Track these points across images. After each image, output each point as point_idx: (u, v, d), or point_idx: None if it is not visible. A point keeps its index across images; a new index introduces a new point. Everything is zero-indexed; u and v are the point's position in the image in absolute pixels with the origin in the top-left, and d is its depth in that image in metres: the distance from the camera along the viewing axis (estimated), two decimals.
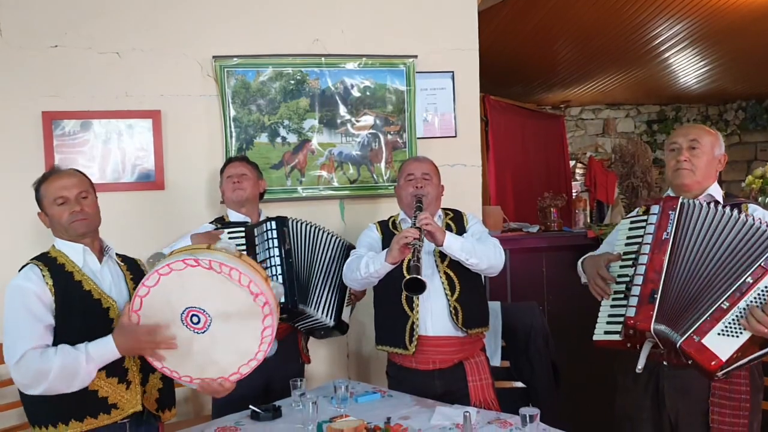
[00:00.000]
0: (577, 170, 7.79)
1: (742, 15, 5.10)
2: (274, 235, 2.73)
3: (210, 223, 2.93)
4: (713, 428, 2.19)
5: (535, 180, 6.19)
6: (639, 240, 2.21)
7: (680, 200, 2.18)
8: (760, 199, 4.78)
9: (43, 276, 2.02)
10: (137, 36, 3.31)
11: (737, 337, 1.94)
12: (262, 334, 1.96)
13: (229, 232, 2.74)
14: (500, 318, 3.08)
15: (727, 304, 1.97)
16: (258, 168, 3.08)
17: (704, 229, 2.10)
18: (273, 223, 2.76)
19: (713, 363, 1.93)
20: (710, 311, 1.98)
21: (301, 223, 2.87)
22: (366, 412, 2.32)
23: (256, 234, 2.75)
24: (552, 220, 4.10)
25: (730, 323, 1.96)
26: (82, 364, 1.93)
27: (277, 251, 2.70)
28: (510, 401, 2.75)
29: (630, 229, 2.30)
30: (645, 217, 2.24)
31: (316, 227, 2.92)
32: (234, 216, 2.95)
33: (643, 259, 2.15)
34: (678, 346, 2.00)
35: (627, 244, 2.27)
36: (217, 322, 1.95)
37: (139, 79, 3.31)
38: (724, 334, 1.95)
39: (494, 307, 3.09)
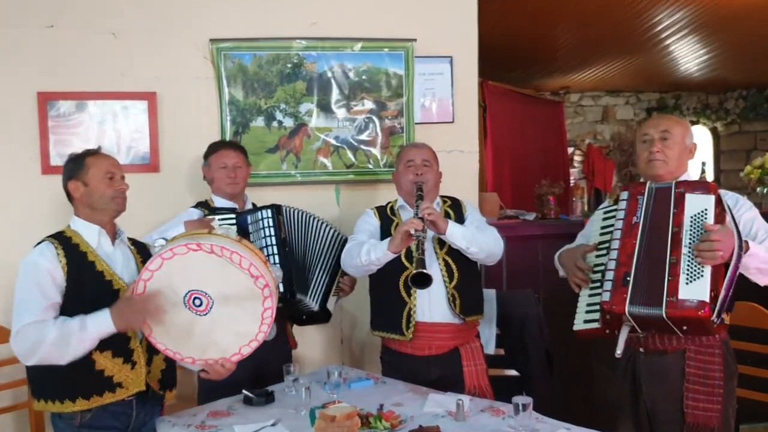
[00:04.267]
0: (576, 157, 7.77)
1: (744, 3, 5.06)
2: (270, 224, 2.70)
3: (194, 207, 2.88)
4: (687, 413, 2.21)
5: (533, 167, 6.17)
6: (612, 228, 2.26)
7: (648, 185, 2.24)
8: (758, 189, 4.79)
9: (58, 254, 2.08)
10: (134, 17, 3.27)
11: (702, 275, 2.03)
12: (262, 315, 2.01)
13: (219, 219, 2.70)
14: (495, 306, 3.07)
15: (675, 258, 2.08)
16: (246, 153, 3.03)
17: (660, 208, 2.19)
18: (269, 211, 2.72)
19: (701, 311, 1.99)
20: (667, 272, 2.07)
21: (295, 212, 2.85)
22: (359, 399, 2.32)
23: (249, 222, 2.72)
24: (549, 208, 4.08)
25: (688, 269, 2.05)
26: (75, 332, 1.99)
27: (274, 240, 2.67)
28: (505, 389, 2.75)
29: (604, 219, 2.36)
30: (616, 206, 2.29)
31: (308, 215, 2.89)
32: (220, 202, 2.90)
33: (615, 244, 2.21)
34: (665, 316, 2.04)
35: (601, 234, 2.32)
36: (219, 304, 1.99)
37: (134, 60, 3.28)
38: (691, 280, 2.04)
39: (490, 294, 3.08)
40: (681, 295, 2.03)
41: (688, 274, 2.04)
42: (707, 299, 2.00)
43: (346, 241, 2.88)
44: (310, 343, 3.49)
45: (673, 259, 2.08)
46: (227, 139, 3.31)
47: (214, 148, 2.97)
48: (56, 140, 3.18)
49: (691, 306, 2.01)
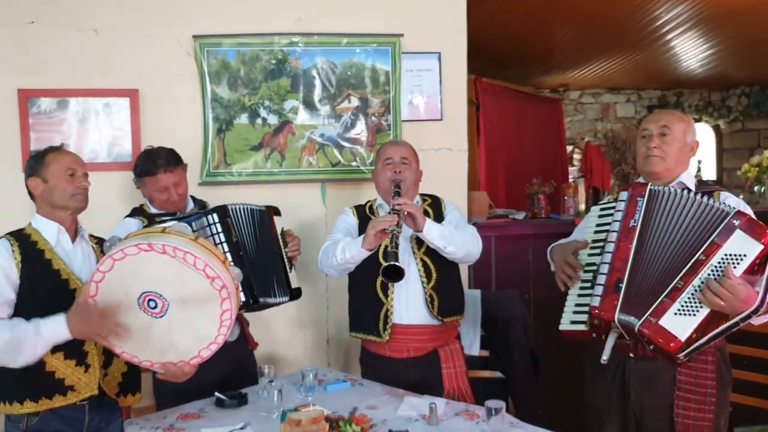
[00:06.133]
0: (575, 156, 7.68)
1: None
2: (219, 229, 2.48)
3: (129, 216, 2.69)
4: (677, 422, 2.15)
5: (529, 165, 6.07)
6: (608, 227, 2.17)
7: (649, 187, 2.14)
8: (756, 188, 4.71)
9: (13, 251, 2.05)
10: (116, 13, 3.24)
11: (695, 315, 1.93)
12: (221, 317, 1.95)
13: None
14: (480, 307, 3.02)
15: (682, 283, 1.96)
16: (180, 158, 2.75)
17: (668, 214, 2.07)
18: (215, 215, 2.50)
19: (672, 344, 1.92)
20: (666, 292, 1.97)
21: (242, 209, 2.66)
22: (334, 401, 2.29)
23: (195, 228, 2.45)
24: (540, 207, 4.02)
25: (686, 302, 1.94)
26: (28, 337, 1.95)
27: (226, 246, 2.46)
28: (490, 392, 2.69)
29: (600, 216, 2.27)
30: (614, 204, 2.20)
31: (255, 210, 2.71)
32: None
33: (610, 247, 2.11)
34: (636, 329, 1.97)
35: (596, 232, 2.24)
36: (175, 307, 1.94)
37: (116, 57, 3.25)
38: (681, 314, 1.94)
39: (474, 295, 3.04)
40: (662, 321, 1.94)
41: (682, 305, 1.94)
42: (683, 339, 1.91)
43: (269, 210, 2.78)
44: (295, 343, 3.45)
45: (680, 284, 1.95)
46: (209, 137, 3.26)
47: (147, 170, 2.66)
48: (37, 138, 3.14)
49: (664, 335, 1.93)
